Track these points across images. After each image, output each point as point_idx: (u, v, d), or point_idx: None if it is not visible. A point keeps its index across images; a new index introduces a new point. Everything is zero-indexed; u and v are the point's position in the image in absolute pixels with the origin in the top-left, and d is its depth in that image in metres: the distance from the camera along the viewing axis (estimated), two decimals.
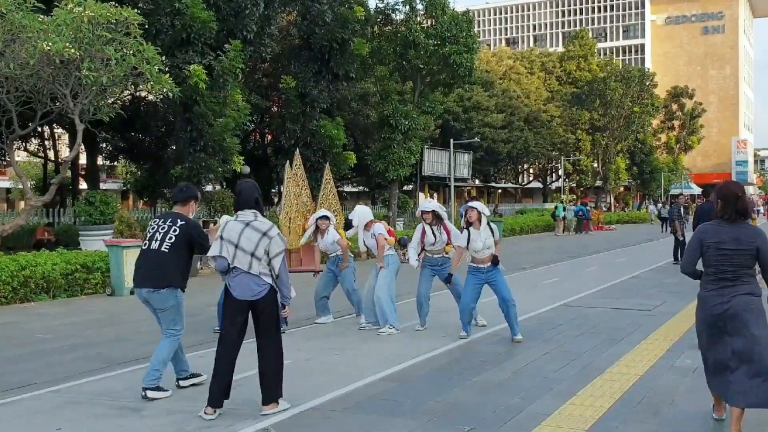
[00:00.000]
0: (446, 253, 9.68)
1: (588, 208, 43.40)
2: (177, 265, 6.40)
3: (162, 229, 6.44)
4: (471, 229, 9.03)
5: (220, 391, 5.80)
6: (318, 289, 10.59)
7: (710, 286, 5.34)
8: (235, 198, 6.16)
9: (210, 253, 5.96)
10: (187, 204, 6.67)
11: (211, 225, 6.73)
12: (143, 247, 6.56)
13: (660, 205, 54.03)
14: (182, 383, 6.75)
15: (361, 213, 10.22)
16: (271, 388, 5.90)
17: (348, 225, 10.42)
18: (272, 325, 5.91)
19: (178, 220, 6.46)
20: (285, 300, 6.01)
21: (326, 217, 10.39)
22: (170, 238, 6.38)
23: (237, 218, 5.94)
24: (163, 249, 6.37)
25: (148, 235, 6.54)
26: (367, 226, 10.08)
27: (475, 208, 9.07)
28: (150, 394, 6.32)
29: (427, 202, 9.97)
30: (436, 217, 9.57)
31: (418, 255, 9.71)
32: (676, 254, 19.46)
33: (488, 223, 9.11)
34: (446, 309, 10.82)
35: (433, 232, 9.54)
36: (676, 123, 75.84)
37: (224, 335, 5.93)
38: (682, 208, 20.77)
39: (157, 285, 6.37)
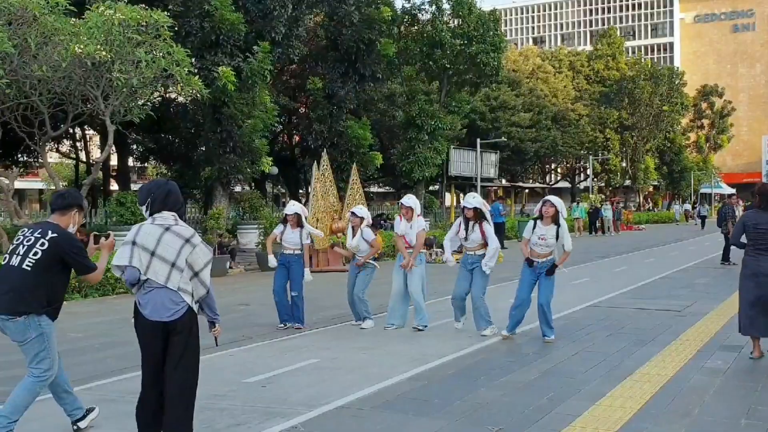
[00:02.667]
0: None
1: (615, 208, 42.67)
2: (40, 286, 5.14)
3: (27, 242, 5.21)
4: (538, 222, 8.90)
5: (147, 422, 4.86)
6: (349, 290, 10.28)
7: (750, 253, 7.86)
8: (154, 197, 4.93)
9: (116, 262, 4.79)
10: (68, 213, 5.45)
11: (102, 239, 5.46)
12: (1, 262, 5.40)
13: (698, 204, 53.44)
14: (80, 425, 5.61)
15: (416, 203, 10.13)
16: (184, 414, 4.81)
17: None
18: (187, 353, 4.81)
19: (50, 232, 5.22)
20: (215, 318, 5.04)
21: (354, 214, 10.29)
22: (35, 254, 5.15)
23: (154, 221, 4.83)
24: (24, 266, 5.13)
25: (11, 248, 5.34)
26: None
27: (554, 205, 8.82)
28: None
29: (471, 198, 9.61)
30: (478, 215, 9.31)
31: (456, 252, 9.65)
32: (727, 255, 19.24)
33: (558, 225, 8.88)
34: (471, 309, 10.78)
35: (467, 228, 9.33)
36: (706, 122, 74.92)
37: (143, 366, 4.87)
38: (735, 208, 20.42)
39: (10, 311, 5.10)
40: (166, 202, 4.89)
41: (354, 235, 10.12)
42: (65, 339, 9.83)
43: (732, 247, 18.99)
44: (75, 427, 5.57)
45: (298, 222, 10.27)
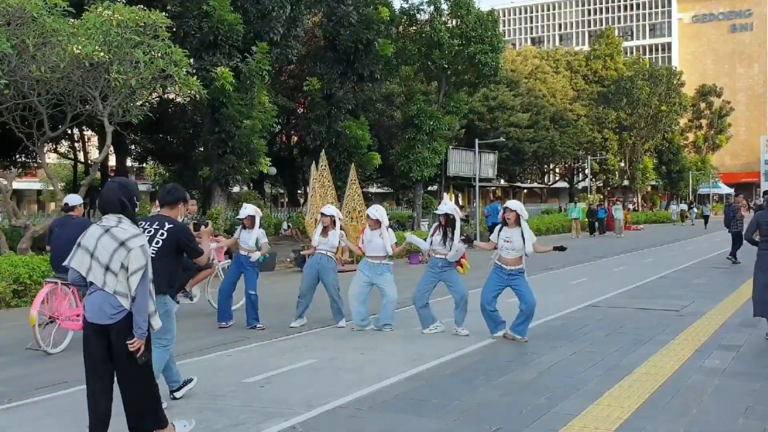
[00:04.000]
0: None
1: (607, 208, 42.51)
2: (163, 270, 5.75)
3: (148, 233, 5.85)
4: (504, 227, 8.99)
5: (94, 422, 4.79)
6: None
7: (763, 247, 9.27)
8: (98, 200, 5.11)
9: (65, 263, 4.92)
10: (176, 206, 6.19)
11: (203, 227, 6.20)
12: None
13: (694, 204, 53.43)
14: (176, 395, 6.41)
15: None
16: (141, 417, 4.87)
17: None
18: (132, 359, 4.70)
19: (166, 223, 5.95)
20: (136, 329, 4.67)
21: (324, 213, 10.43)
22: (157, 242, 5.85)
23: (100, 222, 4.91)
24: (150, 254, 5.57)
25: None
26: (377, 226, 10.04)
27: (514, 210, 8.94)
28: None
29: (443, 205, 9.82)
30: (449, 221, 9.45)
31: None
32: (735, 252, 19.92)
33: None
34: (471, 309, 10.79)
35: (444, 235, 9.45)
36: (704, 122, 75.00)
37: (86, 372, 4.82)
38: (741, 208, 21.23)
39: None
40: (104, 203, 4.92)
41: (325, 235, 10.27)
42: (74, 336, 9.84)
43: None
44: (172, 396, 6.35)
45: (252, 223, 10.37)
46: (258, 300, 10.35)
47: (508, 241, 8.91)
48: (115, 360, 4.72)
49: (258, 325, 10.24)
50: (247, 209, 10.52)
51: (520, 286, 8.96)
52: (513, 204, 9.10)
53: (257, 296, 10.34)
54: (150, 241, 5.71)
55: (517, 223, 8.91)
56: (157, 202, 6.48)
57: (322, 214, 10.50)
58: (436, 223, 9.71)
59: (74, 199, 9.37)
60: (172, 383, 6.40)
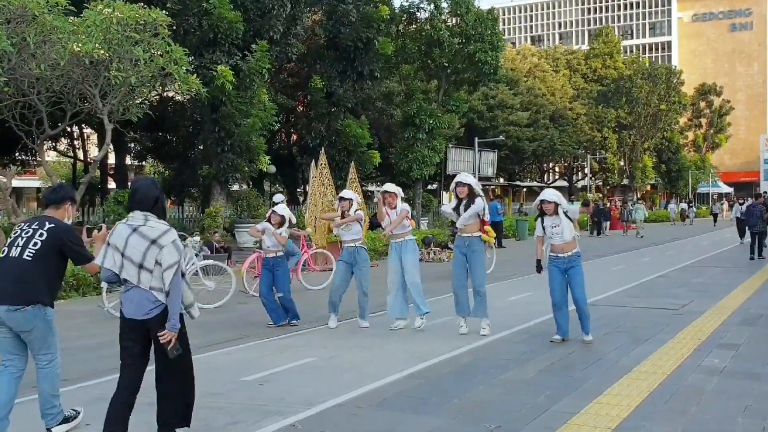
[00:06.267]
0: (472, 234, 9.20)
1: (622, 207, 42.05)
2: (41, 276, 5.26)
3: (26, 234, 5.35)
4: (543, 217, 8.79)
5: (112, 421, 4.81)
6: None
7: None
8: (129, 197, 5.16)
9: (96, 261, 5.02)
10: (62, 206, 5.64)
11: (96, 232, 5.56)
12: (0, 255, 5.43)
13: (693, 203, 53.58)
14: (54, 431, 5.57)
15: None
16: (172, 413, 4.93)
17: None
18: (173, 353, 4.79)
19: (47, 223, 5.40)
20: (169, 324, 4.72)
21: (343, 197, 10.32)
22: (35, 244, 5.29)
23: (126, 221, 4.92)
24: (24, 257, 5.25)
25: (9, 241, 5.43)
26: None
27: (552, 201, 8.69)
28: (56, 430, 5.43)
29: (465, 176, 9.44)
30: (471, 193, 9.16)
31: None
32: (753, 248, 20.70)
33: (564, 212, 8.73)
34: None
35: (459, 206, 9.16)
36: (704, 121, 75.02)
37: (122, 365, 4.89)
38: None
39: (19, 300, 5.17)
40: (133, 201, 4.96)
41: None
42: (62, 337, 9.83)
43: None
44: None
45: (280, 224, 10.36)
46: (289, 301, 10.34)
47: (555, 226, 8.65)
48: (159, 354, 4.80)
49: (293, 322, 10.28)
50: (281, 209, 10.56)
51: (574, 275, 8.69)
52: (550, 195, 8.76)
53: (288, 299, 10.31)
54: (26, 244, 5.29)
55: (556, 211, 8.66)
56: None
57: (341, 198, 10.30)
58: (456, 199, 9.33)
59: None
60: (46, 416, 5.47)
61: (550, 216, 8.68)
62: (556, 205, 8.65)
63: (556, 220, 8.65)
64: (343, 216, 10.10)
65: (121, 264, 4.81)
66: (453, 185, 9.39)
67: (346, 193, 10.52)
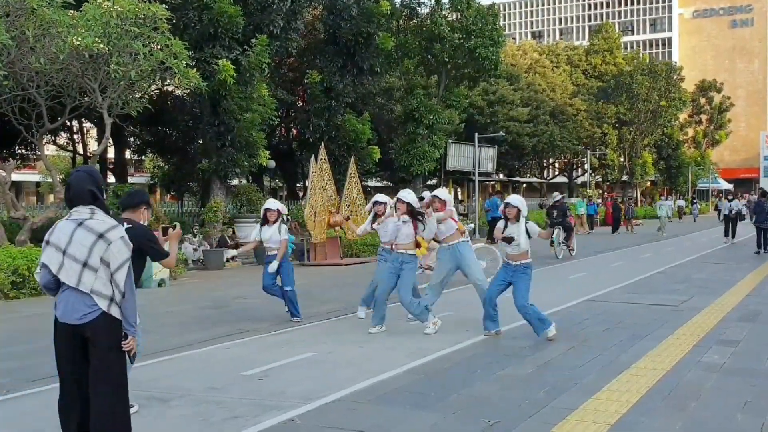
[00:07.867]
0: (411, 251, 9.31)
1: (626, 205, 41.86)
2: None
3: None
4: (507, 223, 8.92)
5: (67, 424, 4.52)
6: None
7: None
8: (65, 192, 4.64)
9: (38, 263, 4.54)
10: (138, 210, 6.05)
11: (170, 230, 5.88)
12: None
13: (696, 200, 53.55)
14: None
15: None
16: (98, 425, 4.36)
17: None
18: (108, 364, 4.33)
19: (125, 224, 5.58)
20: (128, 329, 4.40)
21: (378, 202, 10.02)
22: None
23: (70, 217, 4.42)
24: None
25: None
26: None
27: (516, 206, 8.84)
28: None
29: (406, 193, 9.43)
30: (410, 211, 9.17)
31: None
32: (759, 243, 21.81)
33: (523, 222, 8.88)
34: (470, 302, 10.81)
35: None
36: (704, 117, 74.91)
37: (58, 373, 4.56)
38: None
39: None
40: (70, 197, 4.45)
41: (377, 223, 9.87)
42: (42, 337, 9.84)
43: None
44: None
45: (276, 218, 10.29)
46: (295, 295, 10.33)
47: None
48: (92, 366, 4.33)
49: (295, 318, 10.23)
50: (273, 203, 10.50)
51: (518, 281, 8.85)
52: (514, 200, 9.02)
53: (294, 291, 10.29)
54: None
55: (518, 218, 8.84)
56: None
57: (376, 202, 9.97)
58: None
59: None
60: None
61: (512, 224, 8.80)
62: (519, 211, 8.82)
63: (514, 230, 8.75)
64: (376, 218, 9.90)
65: (60, 263, 4.28)
66: (395, 200, 9.40)
67: (380, 197, 10.14)
